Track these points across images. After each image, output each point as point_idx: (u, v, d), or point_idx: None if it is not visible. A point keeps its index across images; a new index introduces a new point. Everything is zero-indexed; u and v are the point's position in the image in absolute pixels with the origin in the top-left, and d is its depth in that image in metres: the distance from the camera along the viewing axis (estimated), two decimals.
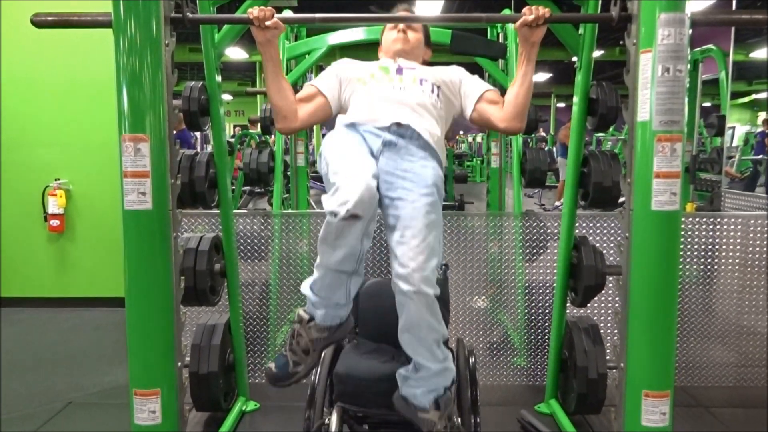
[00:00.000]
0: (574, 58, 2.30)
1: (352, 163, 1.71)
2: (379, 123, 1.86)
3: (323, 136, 13.00)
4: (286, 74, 3.71)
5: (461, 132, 23.22)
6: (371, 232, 1.71)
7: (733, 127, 7.77)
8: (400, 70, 2.03)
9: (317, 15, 1.91)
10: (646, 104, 1.70)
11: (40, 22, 1.85)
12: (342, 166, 1.70)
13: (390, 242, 1.72)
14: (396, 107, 1.89)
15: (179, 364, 1.95)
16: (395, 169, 1.79)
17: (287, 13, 3.64)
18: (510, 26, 3.62)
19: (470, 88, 2.04)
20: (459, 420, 1.88)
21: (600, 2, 1.96)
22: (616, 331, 2.00)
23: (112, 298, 4.30)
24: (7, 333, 3.92)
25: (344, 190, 1.60)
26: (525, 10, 1.83)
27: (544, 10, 1.81)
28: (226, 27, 2.38)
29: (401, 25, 2.12)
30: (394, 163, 1.81)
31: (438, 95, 1.99)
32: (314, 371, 1.93)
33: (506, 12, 3.59)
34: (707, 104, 7.31)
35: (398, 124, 1.85)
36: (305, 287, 1.81)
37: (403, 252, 1.66)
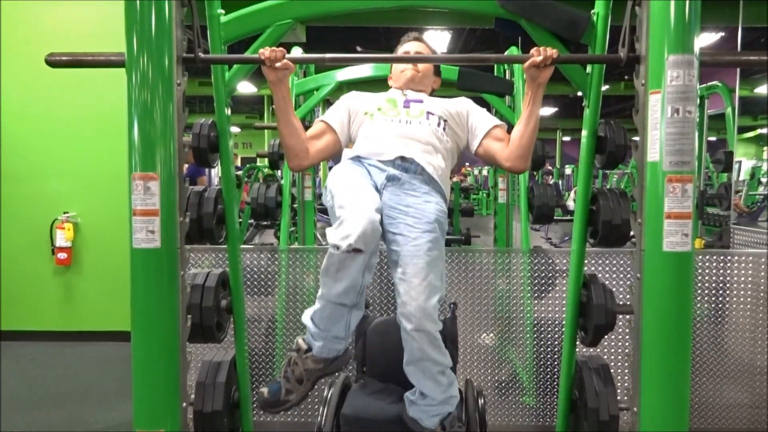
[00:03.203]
0: (580, 93, 2.31)
1: (357, 197, 1.73)
2: (383, 157, 1.89)
3: (329, 168, 13.08)
4: (295, 109, 3.75)
5: (467, 164, 23.30)
6: (373, 265, 1.73)
7: (740, 162, 7.77)
8: (407, 103, 2.05)
9: (327, 55, 1.93)
10: (655, 145, 1.70)
11: (54, 62, 1.87)
12: (346, 200, 1.73)
13: (393, 277, 1.76)
14: (401, 141, 1.92)
15: (184, 404, 1.92)
16: (398, 204, 1.82)
17: (297, 51, 3.69)
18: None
19: (478, 123, 2.06)
20: None
21: (607, 42, 1.97)
22: (627, 371, 1.97)
23: (118, 332, 4.29)
24: (12, 367, 3.90)
25: (347, 224, 1.63)
26: (533, 51, 1.85)
27: (552, 51, 1.83)
28: (237, 65, 2.40)
29: (412, 53, 2.15)
30: (397, 197, 1.83)
31: (444, 129, 2.01)
32: (321, 411, 1.91)
33: (513, 50, 3.64)
34: (713, 138, 7.32)
35: (402, 158, 1.88)
36: (306, 317, 1.84)
37: (404, 290, 1.69)
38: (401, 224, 1.78)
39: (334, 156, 2.11)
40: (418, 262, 1.71)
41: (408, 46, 2.20)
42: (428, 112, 2.02)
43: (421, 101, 2.07)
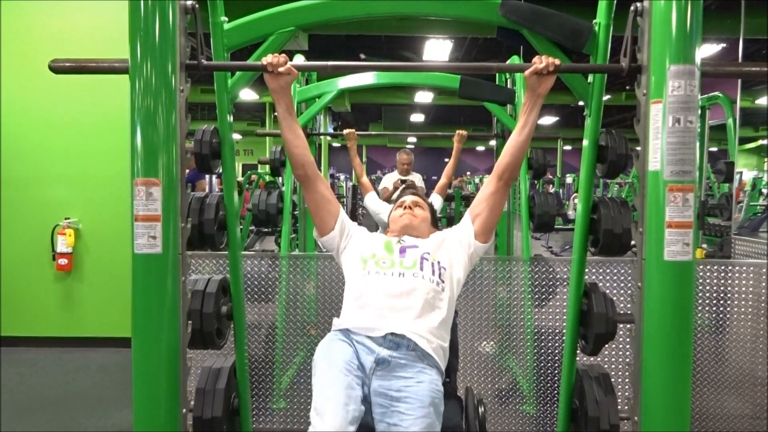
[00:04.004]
0: (581, 102, 2.32)
1: (334, 400, 1.66)
2: (373, 333, 1.84)
3: (330, 176, 13.07)
4: (297, 116, 3.77)
5: (468, 173, 23.30)
6: None
7: (741, 172, 7.78)
8: (403, 251, 2.04)
9: (330, 63, 1.94)
10: (657, 154, 1.70)
11: (58, 68, 1.88)
12: (323, 400, 1.67)
13: None
14: (392, 310, 1.87)
15: (184, 410, 1.92)
16: (389, 389, 1.75)
17: (299, 58, 3.70)
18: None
19: (460, 230, 2.12)
20: None
21: (609, 52, 1.98)
22: (627, 380, 1.97)
23: (117, 338, 4.28)
24: (12, 373, 3.90)
25: None
26: (535, 59, 1.86)
27: (553, 59, 1.84)
28: (239, 72, 2.41)
29: (408, 202, 2.24)
30: (388, 383, 1.77)
31: (440, 275, 1.98)
32: None
33: (514, 59, 3.65)
34: (714, 149, 7.34)
35: (393, 334, 1.82)
36: None
37: None
38: (394, 413, 1.69)
39: (320, 218, 2.11)
40: None
41: (403, 197, 2.31)
42: (423, 258, 1.99)
43: (417, 246, 2.06)
